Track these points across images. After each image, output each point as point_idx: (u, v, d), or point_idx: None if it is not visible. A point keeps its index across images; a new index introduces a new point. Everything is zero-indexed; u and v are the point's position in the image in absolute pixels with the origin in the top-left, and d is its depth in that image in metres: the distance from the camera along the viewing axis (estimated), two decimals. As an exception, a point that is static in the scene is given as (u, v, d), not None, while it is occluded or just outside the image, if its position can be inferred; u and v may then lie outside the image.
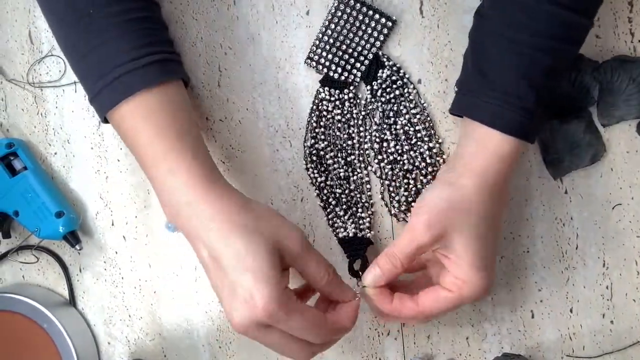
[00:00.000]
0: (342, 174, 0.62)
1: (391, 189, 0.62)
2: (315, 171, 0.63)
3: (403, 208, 0.62)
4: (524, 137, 0.52)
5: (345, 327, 0.53)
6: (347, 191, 0.62)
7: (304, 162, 0.63)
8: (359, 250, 0.61)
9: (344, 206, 0.62)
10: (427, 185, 0.61)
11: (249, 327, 0.48)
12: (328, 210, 0.63)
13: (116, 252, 0.66)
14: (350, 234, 0.62)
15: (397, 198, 0.62)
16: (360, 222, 0.62)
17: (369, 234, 0.62)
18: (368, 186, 0.63)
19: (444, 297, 0.52)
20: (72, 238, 0.63)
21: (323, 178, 0.62)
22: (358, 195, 0.62)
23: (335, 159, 0.63)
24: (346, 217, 0.62)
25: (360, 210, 0.62)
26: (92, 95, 0.53)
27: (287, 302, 0.48)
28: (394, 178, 0.62)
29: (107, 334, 0.66)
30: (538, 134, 0.55)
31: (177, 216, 0.51)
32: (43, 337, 0.63)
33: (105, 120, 0.54)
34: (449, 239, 0.51)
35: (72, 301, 0.66)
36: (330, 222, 0.63)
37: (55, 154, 0.66)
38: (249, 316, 0.48)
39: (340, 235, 0.62)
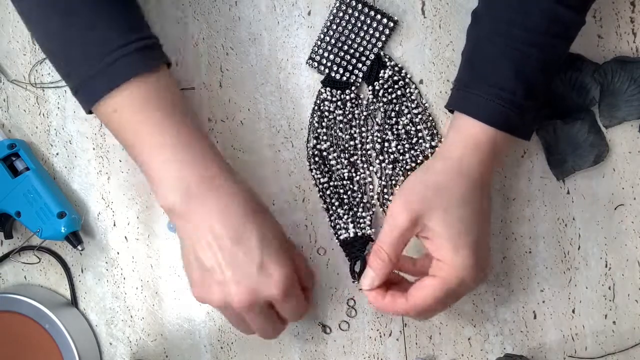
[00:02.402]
0: (345, 175, 0.62)
1: (386, 190, 0.62)
2: (318, 172, 0.62)
3: None
4: (508, 130, 0.52)
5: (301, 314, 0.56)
6: (349, 192, 0.62)
7: (308, 163, 0.63)
8: (360, 251, 0.61)
9: (346, 207, 0.62)
10: None
11: (253, 303, 0.51)
12: (330, 212, 0.63)
13: (118, 253, 0.66)
14: (351, 234, 0.62)
15: (390, 198, 0.62)
16: (361, 221, 0.62)
17: (369, 232, 0.62)
18: (370, 186, 0.63)
19: (428, 284, 0.51)
20: (74, 239, 0.63)
21: (326, 179, 0.62)
22: (360, 196, 0.62)
23: (339, 160, 0.63)
24: (347, 218, 0.62)
25: (361, 210, 0.62)
26: (79, 81, 0.51)
27: (295, 284, 0.53)
28: (394, 178, 0.62)
29: (108, 335, 0.66)
30: (530, 129, 0.54)
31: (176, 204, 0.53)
32: (45, 337, 0.63)
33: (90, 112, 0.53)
34: (427, 218, 0.51)
35: (73, 302, 0.66)
36: (332, 223, 0.63)
37: (57, 154, 0.66)
38: (268, 290, 0.51)
39: (342, 237, 0.62)
